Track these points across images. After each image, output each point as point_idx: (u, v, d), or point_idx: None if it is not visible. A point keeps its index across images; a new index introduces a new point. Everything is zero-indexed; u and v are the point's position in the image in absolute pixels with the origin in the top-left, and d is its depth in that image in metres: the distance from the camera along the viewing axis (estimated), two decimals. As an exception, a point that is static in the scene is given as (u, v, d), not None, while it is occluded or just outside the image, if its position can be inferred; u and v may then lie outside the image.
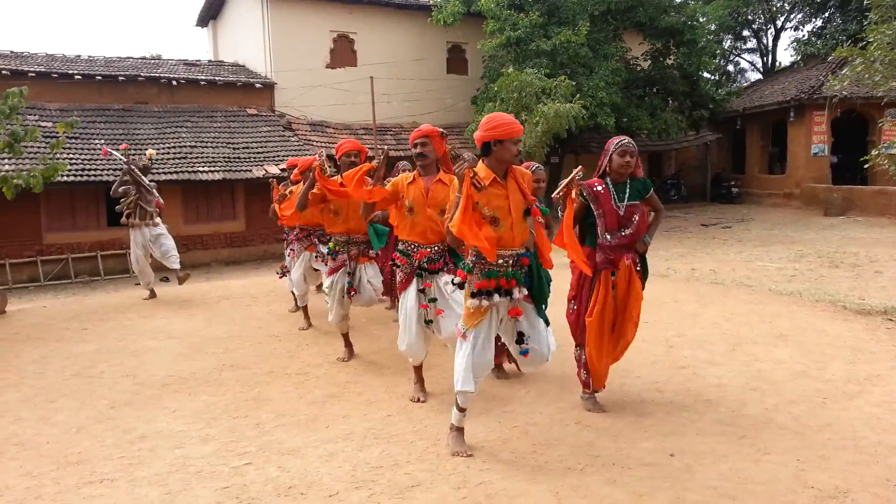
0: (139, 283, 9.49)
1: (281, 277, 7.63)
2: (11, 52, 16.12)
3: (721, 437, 3.79)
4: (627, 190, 4.11)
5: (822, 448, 3.60)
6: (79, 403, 4.74)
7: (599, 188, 4.13)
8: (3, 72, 14.01)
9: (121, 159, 8.55)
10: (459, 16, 16.69)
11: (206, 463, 3.65)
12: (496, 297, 3.52)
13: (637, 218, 4.12)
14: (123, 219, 8.64)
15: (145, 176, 8.56)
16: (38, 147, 11.88)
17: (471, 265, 3.56)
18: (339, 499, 3.19)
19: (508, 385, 4.77)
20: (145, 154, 9.21)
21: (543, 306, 3.72)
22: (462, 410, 3.66)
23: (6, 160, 11.35)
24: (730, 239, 14.26)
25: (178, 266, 8.74)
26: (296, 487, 3.32)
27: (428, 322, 4.29)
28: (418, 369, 4.62)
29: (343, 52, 18.20)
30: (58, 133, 9.16)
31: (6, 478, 3.56)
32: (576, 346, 4.32)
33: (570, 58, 15.93)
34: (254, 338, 6.53)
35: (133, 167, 8.37)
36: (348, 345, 5.72)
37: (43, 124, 13.10)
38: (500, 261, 3.51)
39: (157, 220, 8.67)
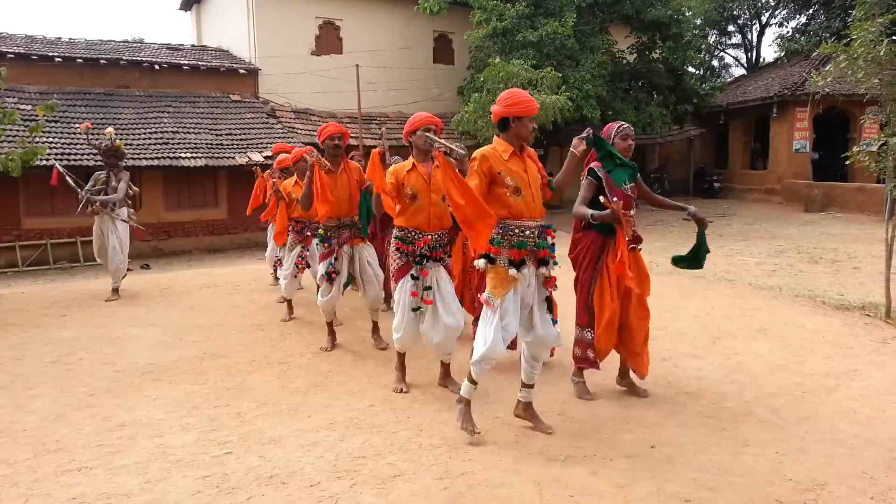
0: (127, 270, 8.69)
1: (275, 274, 7.45)
2: (-10, 32, 15.80)
3: (701, 429, 3.83)
4: (628, 173, 4.22)
5: (801, 441, 3.65)
6: (57, 391, 4.68)
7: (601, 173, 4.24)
8: (-19, 53, 13.73)
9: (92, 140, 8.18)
10: (446, 5, 16.56)
11: (186, 452, 3.62)
12: (533, 269, 3.62)
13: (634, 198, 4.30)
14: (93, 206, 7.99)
15: (119, 160, 8.02)
16: (17, 130, 11.65)
17: (499, 238, 3.61)
18: (320, 488, 3.18)
19: (492, 376, 4.77)
20: (104, 132, 8.38)
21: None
22: (475, 383, 3.70)
23: (-17, 143, 11.11)
24: (711, 233, 14.34)
25: (115, 284, 8.17)
26: (277, 477, 3.31)
27: (415, 309, 4.28)
28: (402, 358, 4.62)
29: (328, 40, 18.02)
30: (37, 116, 8.97)
31: (-18, 466, 3.51)
32: (581, 328, 4.35)
33: (557, 49, 15.91)
34: (236, 326, 6.48)
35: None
36: (331, 334, 5.70)
37: (22, 107, 12.85)
38: (528, 232, 3.61)
39: (120, 211, 8.10)
